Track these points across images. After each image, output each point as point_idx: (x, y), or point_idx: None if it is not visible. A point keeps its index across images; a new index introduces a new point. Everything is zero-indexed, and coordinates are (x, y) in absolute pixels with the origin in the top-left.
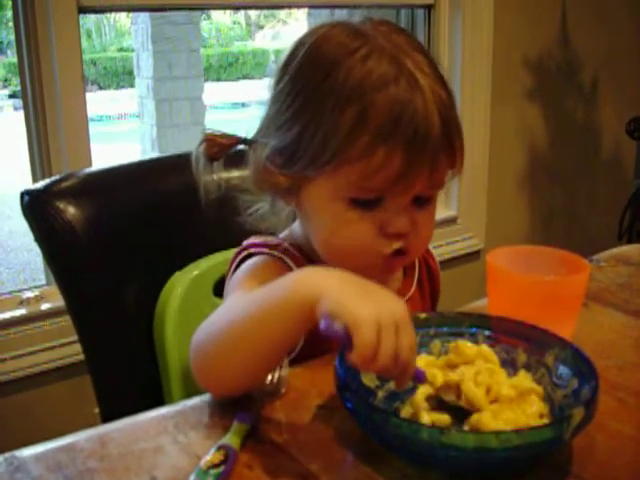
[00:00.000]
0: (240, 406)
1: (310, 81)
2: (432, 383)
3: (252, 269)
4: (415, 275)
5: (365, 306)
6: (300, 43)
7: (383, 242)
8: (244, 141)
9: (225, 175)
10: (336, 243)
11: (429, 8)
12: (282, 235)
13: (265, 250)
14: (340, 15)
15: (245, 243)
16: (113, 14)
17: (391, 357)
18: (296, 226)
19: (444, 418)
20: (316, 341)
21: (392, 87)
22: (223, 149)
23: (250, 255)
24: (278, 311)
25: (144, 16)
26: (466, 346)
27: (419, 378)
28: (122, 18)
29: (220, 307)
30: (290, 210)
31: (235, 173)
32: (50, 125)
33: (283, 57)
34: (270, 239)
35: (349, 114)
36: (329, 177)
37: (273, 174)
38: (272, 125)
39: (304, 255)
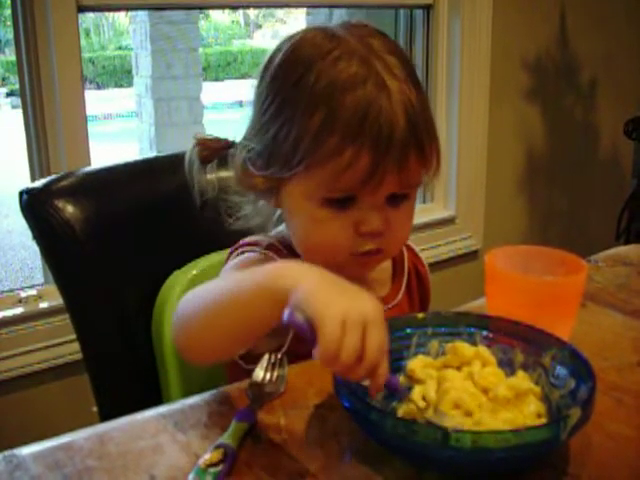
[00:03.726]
0: (239, 405)
1: (284, 84)
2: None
3: (239, 263)
4: (404, 282)
5: (336, 301)
6: (278, 49)
7: (357, 241)
8: (233, 144)
9: (219, 176)
10: (312, 242)
11: (428, 8)
12: (274, 233)
13: (256, 248)
14: (339, 15)
15: (240, 242)
16: (112, 13)
17: (355, 354)
18: (284, 225)
19: None
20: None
21: (359, 89)
22: (214, 152)
23: (242, 253)
24: (252, 295)
25: (143, 15)
26: (464, 347)
27: (392, 386)
28: (121, 17)
29: (208, 282)
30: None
31: (228, 174)
32: (49, 124)
33: (263, 62)
34: (262, 238)
35: (318, 117)
36: (302, 178)
37: (252, 176)
38: (253, 128)
39: (293, 253)
